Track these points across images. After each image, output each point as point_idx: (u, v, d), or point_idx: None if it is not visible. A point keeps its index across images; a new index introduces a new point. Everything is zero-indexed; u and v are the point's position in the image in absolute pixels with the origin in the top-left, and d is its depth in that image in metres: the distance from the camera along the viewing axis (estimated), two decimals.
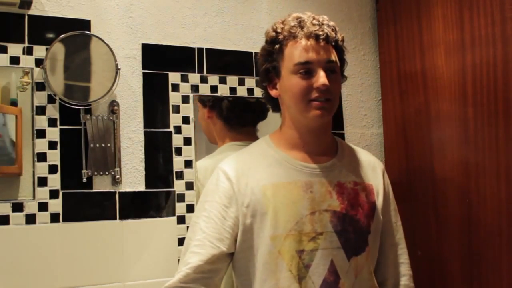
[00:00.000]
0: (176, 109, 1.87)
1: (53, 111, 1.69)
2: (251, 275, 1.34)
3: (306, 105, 1.34)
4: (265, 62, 1.41)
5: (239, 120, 1.93)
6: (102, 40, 1.74)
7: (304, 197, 1.34)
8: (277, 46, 1.37)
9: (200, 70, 1.91)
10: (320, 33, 1.34)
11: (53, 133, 1.69)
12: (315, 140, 1.41)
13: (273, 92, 1.43)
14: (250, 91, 1.98)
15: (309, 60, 1.32)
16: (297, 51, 1.33)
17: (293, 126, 1.41)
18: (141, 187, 1.79)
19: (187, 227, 1.81)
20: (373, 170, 1.49)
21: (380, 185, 1.47)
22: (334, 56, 1.37)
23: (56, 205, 1.67)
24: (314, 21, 1.36)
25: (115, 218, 1.74)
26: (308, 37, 1.33)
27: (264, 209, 1.33)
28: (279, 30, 1.38)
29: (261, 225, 1.33)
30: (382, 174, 1.50)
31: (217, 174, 1.40)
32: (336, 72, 1.37)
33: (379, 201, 1.45)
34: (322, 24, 1.37)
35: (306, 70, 1.33)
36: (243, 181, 1.35)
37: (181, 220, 1.82)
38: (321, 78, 1.31)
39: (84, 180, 1.70)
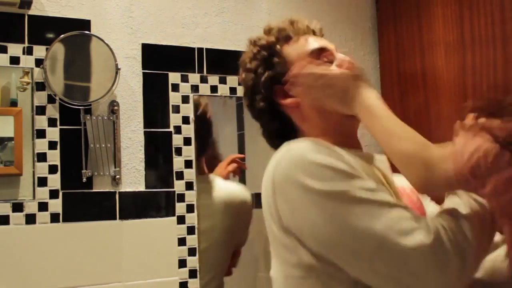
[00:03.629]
0: (176, 109, 1.86)
1: (53, 111, 1.69)
2: None
3: None
4: (265, 71, 1.10)
5: None
6: (102, 40, 1.74)
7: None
8: (272, 50, 1.10)
9: (200, 70, 1.91)
10: (317, 27, 1.13)
11: (53, 133, 1.69)
12: (356, 138, 1.18)
13: (289, 101, 1.07)
14: None
15: (323, 46, 1.09)
16: (302, 43, 1.10)
17: (333, 132, 1.07)
18: (141, 187, 1.79)
19: (187, 227, 1.82)
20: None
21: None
22: None
23: (56, 205, 1.67)
24: (302, 18, 1.15)
25: (115, 218, 1.74)
26: (306, 32, 1.12)
27: None
28: (268, 32, 1.13)
29: None
30: None
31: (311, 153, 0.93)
32: None
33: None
34: (311, 20, 1.16)
35: (325, 57, 1.08)
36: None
37: (181, 220, 1.82)
38: (346, 58, 1.06)
39: (84, 180, 1.70)
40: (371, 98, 0.98)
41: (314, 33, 1.13)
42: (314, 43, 1.09)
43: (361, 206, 0.86)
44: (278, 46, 1.10)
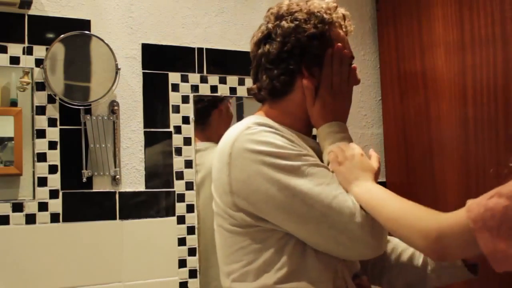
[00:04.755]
0: (176, 109, 1.87)
1: (53, 111, 1.69)
2: None
3: None
4: (313, 43, 1.14)
5: None
6: (102, 40, 1.74)
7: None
8: (326, 27, 1.15)
9: (200, 70, 1.91)
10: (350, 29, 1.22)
11: (53, 133, 1.69)
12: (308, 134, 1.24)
13: (312, 82, 1.15)
14: None
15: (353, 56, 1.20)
16: (340, 38, 1.17)
17: (300, 116, 1.18)
18: (141, 187, 1.79)
19: (187, 227, 1.82)
20: None
21: None
22: None
23: (56, 205, 1.67)
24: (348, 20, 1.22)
25: (115, 218, 1.74)
26: (347, 34, 1.21)
27: None
28: (327, 12, 1.17)
29: None
30: None
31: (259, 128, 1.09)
32: None
33: None
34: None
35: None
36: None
37: (181, 220, 1.82)
38: (358, 74, 1.20)
39: (84, 180, 1.70)
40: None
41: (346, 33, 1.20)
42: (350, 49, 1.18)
43: (309, 178, 1.03)
44: (327, 28, 1.16)
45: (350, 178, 1.05)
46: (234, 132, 1.09)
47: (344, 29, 1.20)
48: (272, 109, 1.18)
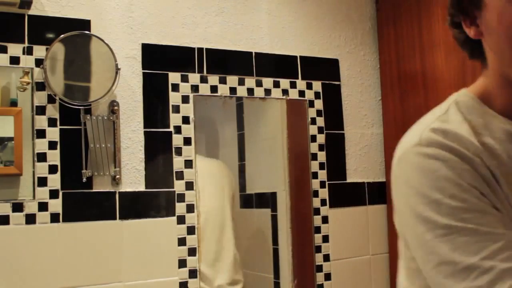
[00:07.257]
0: (176, 109, 1.87)
1: (53, 111, 1.69)
2: None
3: None
4: None
5: None
6: (102, 40, 1.74)
7: None
8: None
9: (200, 70, 1.91)
10: None
11: (53, 133, 1.69)
12: None
13: (471, 32, 0.91)
14: (250, 91, 1.98)
15: None
16: None
17: (503, 83, 0.90)
18: (141, 187, 1.79)
19: (187, 227, 1.82)
20: None
21: None
22: None
23: (56, 205, 1.67)
24: None
25: (115, 218, 1.74)
26: None
27: None
28: None
29: None
30: None
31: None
32: None
33: None
34: None
35: None
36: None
37: (181, 220, 1.82)
38: None
39: (84, 180, 1.70)
40: None
41: None
42: None
43: (449, 246, 0.75)
44: None
45: None
46: (405, 144, 0.90)
47: None
48: (481, 76, 0.94)
